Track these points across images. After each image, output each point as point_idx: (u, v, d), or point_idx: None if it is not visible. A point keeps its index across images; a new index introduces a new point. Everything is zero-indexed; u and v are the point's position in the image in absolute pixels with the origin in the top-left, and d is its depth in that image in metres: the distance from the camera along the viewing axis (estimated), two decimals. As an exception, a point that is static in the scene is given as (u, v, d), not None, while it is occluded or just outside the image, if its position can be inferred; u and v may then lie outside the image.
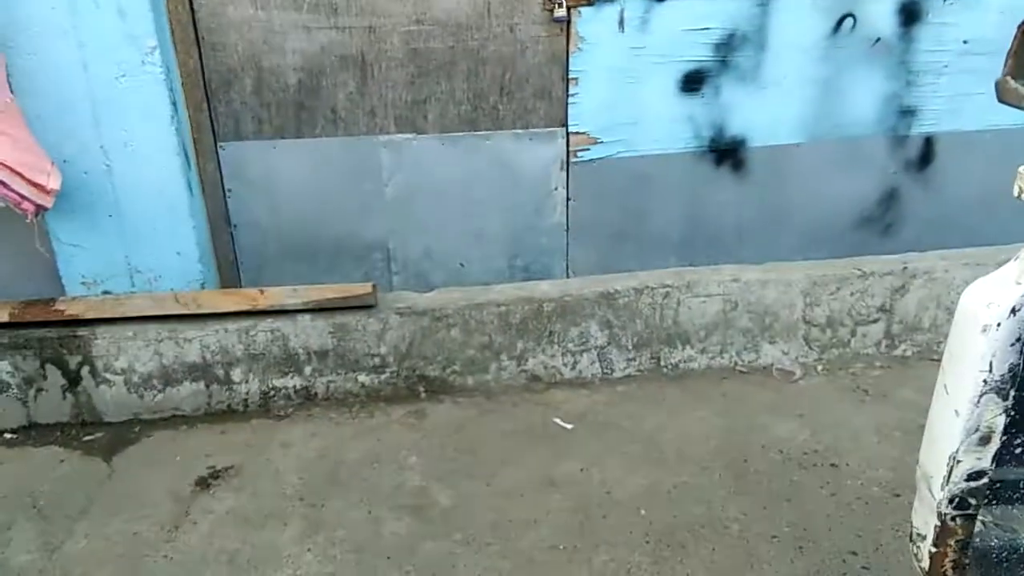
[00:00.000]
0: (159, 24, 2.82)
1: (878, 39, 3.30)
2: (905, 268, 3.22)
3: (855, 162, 3.49)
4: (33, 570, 2.29)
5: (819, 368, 3.27)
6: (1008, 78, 1.38)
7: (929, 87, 3.40)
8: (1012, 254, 1.36)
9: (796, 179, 3.48)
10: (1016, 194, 1.35)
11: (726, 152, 3.42)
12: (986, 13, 3.30)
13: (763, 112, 3.35)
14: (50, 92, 2.80)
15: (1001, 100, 1.42)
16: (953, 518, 1.41)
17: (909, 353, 3.33)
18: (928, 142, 3.50)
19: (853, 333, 3.29)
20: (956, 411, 1.37)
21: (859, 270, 3.23)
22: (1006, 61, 1.39)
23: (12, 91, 2.70)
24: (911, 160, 3.53)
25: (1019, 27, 1.36)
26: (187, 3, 2.96)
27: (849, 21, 3.27)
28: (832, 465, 2.65)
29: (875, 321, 3.28)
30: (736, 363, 3.30)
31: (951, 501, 1.40)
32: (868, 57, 3.32)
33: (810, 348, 3.29)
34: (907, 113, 3.44)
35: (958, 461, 1.38)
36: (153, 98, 2.87)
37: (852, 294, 3.23)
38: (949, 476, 1.39)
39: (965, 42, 3.34)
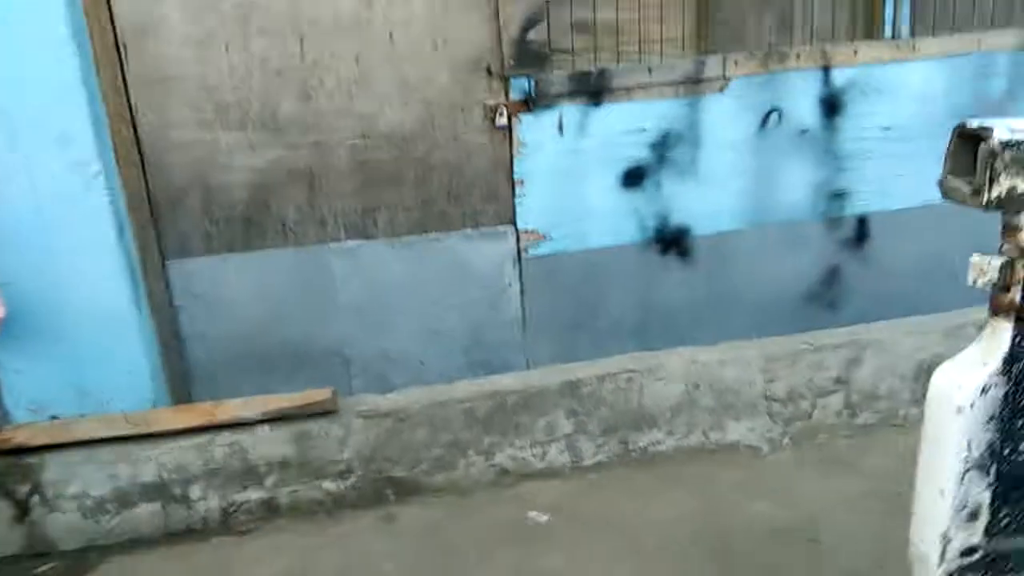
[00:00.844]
0: (103, 148, 2.85)
1: (804, 130, 3.52)
2: (855, 340, 3.31)
3: (795, 244, 3.64)
4: None
5: (785, 442, 3.28)
6: (949, 176, 1.50)
7: (857, 172, 3.61)
8: (954, 320, 1.44)
9: (741, 262, 3.61)
10: (971, 282, 1.43)
11: (672, 241, 3.54)
12: (902, 102, 3.56)
13: (703, 202, 3.50)
14: (-4, 218, 2.77)
15: (945, 197, 1.53)
16: (954, 594, 1.41)
17: (871, 421, 3.37)
18: (862, 222, 3.68)
19: (814, 405, 3.33)
20: (941, 491, 1.39)
21: (811, 344, 3.30)
22: (945, 161, 1.51)
23: (-43, 216, 2.66)
24: (848, 239, 3.69)
25: (954, 130, 1.48)
26: (132, 128, 2.99)
27: (775, 116, 3.49)
28: (811, 540, 2.61)
29: (833, 392, 3.34)
30: (704, 443, 3.29)
31: (949, 578, 1.40)
32: (797, 147, 3.53)
33: (774, 422, 3.32)
34: (839, 196, 3.63)
35: (949, 539, 1.39)
36: (99, 221, 2.87)
37: (808, 367, 3.29)
38: (943, 554, 1.40)
39: (886, 128, 3.59)
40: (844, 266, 3.71)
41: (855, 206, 3.65)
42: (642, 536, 2.70)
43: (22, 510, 2.86)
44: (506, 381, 3.18)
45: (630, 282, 3.54)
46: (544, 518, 2.86)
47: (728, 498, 2.90)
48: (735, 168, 3.50)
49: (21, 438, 2.83)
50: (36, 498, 2.85)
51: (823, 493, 2.89)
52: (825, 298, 3.74)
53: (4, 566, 2.84)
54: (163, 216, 3.13)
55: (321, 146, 3.18)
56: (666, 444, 3.26)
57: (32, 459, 2.83)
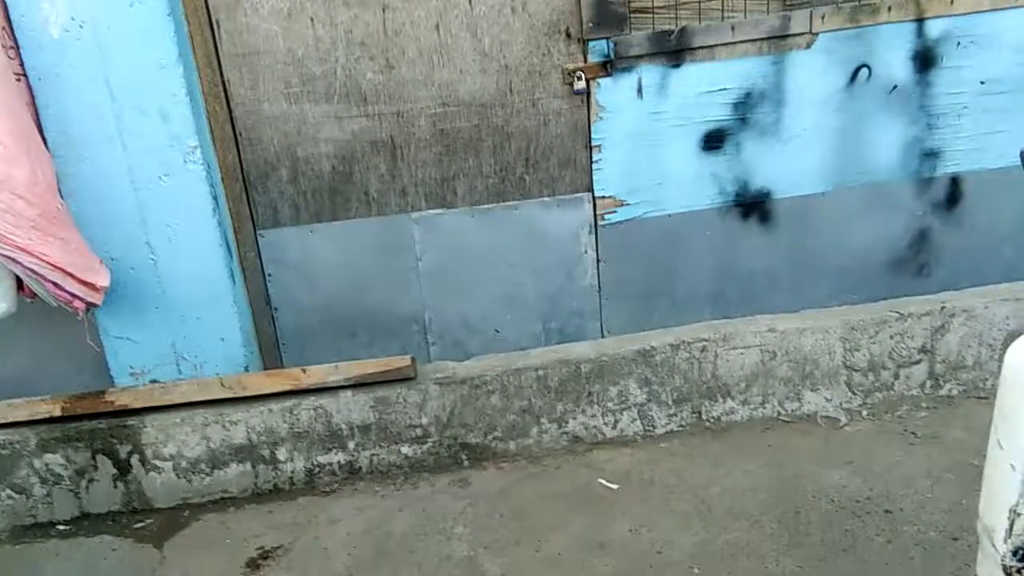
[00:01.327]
0: (199, 125, 2.98)
1: (895, 86, 3.35)
2: (943, 307, 3.18)
3: (882, 207, 3.50)
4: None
5: (864, 413, 3.21)
6: None
7: (950, 129, 3.43)
8: None
9: (824, 227, 3.50)
10: None
11: (752, 206, 3.46)
12: (1000, 53, 3.35)
13: (786, 164, 3.40)
14: (98, 194, 2.95)
15: None
16: (1019, 570, 1.39)
17: (955, 392, 3.26)
18: (954, 182, 3.51)
19: (896, 376, 3.24)
20: (1012, 465, 1.37)
21: (897, 312, 3.20)
22: None
23: (62, 196, 2.85)
24: (938, 201, 3.53)
25: None
26: (224, 103, 3.14)
27: (864, 72, 3.33)
28: (886, 512, 2.58)
29: (917, 362, 3.23)
30: (779, 413, 3.26)
31: (1015, 553, 1.38)
32: (886, 104, 3.37)
33: (853, 393, 3.25)
34: (930, 156, 3.46)
35: (1019, 514, 1.37)
36: (195, 194, 3.01)
37: (892, 336, 3.19)
38: (1011, 529, 1.38)
39: (982, 82, 3.38)
40: (934, 229, 3.55)
41: (948, 165, 3.48)
42: (712, 505, 2.72)
43: (123, 469, 3.11)
44: (579, 349, 3.22)
45: (708, 248, 3.49)
46: (615, 486, 2.90)
47: (802, 468, 2.87)
48: (820, 128, 3.38)
49: (124, 400, 3.06)
50: (136, 458, 3.09)
51: (901, 465, 2.83)
52: (913, 264, 3.59)
53: (105, 521, 3.10)
54: (255, 188, 3.29)
55: (402, 116, 3.25)
56: (740, 414, 3.24)
57: (133, 421, 3.06)
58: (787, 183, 3.44)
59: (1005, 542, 1.38)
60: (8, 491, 3.09)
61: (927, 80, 3.37)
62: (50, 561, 2.88)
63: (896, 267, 3.58)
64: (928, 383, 3.27)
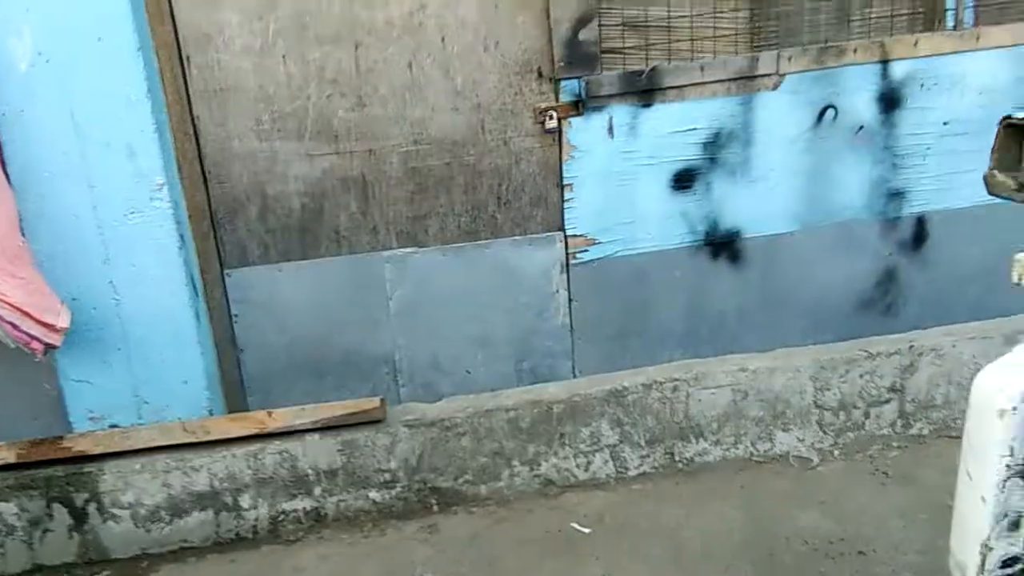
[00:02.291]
0: (167, 161, 2.93)
1: (861, 127, 3.41)
2: (912, 346, 3.20)
3: (850, 246, 3.54)
4: None
5: (836, 453, 3.21)
6: (994, 171, 1.45)
7: (915, 169, 3.49)
8: (1017, 326, 1.39)
9: (794, 266, 3.53)
10: (1016, 280, 1.38)
11: (722, 245, 3.48)
12: (963, 95, 3.43)
13: (755, 204, 3.44)
14: (61, 232, 2.88)
15: (991, 192, 1.49)
16: (992, 607, 1.37)
17: (926, 431, 3.26)
18: (920, 222, 3.56)
19: (867, 415, 3.25)
20: (983, 498, 1.36)
21: (865, 351, 3.21)
22: (991, 155, 1.46)
23: (23, 234, 2.79)
24: (905, 240, 3.57)
25: (999, 123, 1.43)
26: (194, 140, 3.11)
27: (831, 112, 3.39)
28: (859, 553, 2.56)
29: (887, 401, 3.24)
30: (752, 453, 3.24)
31: (988, 589, 1.36)
32: (852, 145, 3.43)
33: (825, 433, 3.24)
34: (896, 195, 3.51)
35: (990, 548, 1.35)
36: (161, 233, 2.95)
37: (861, 375, 3.20)
38: (983, 564, 1.36)
39: (945, 123, 3.45)
40: (901, 269, 3.59)
41: (913, 205, 3.53)
42: (686, 547, 2.68)
43: (79, 519, 2.99)
44: (551, 390, 3.19)
45: (679, 287, 3.50)
46: (587, 530, 2.86)
47: (776, 509, 2.85)
48: (788, 168, 3.42)
49: (83, 446, 2.97)
50: (93, 506, 2.98)
51: (874, 505, 2.82)
52: (881, 303, 3.62)
53: (60, 573, 2.98)
54: (222, 226, 3.24)
55: (374, 153, 3.24)
56: (713, 455, 3.22)
57: (91, 467, 2.96)
58: (756, 223, 3.47)
59: None
60: (-42, 542, 2.97)
61: (892, 121, 3.44)
62: (0, 615, 2.76)
63: (864, 306, 3.62)
64: (899, 422, 3.27)
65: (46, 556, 3.01)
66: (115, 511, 2.99)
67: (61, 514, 2.98)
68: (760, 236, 3.48)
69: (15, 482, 2.94)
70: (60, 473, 2.95)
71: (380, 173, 3.27)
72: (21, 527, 2.97)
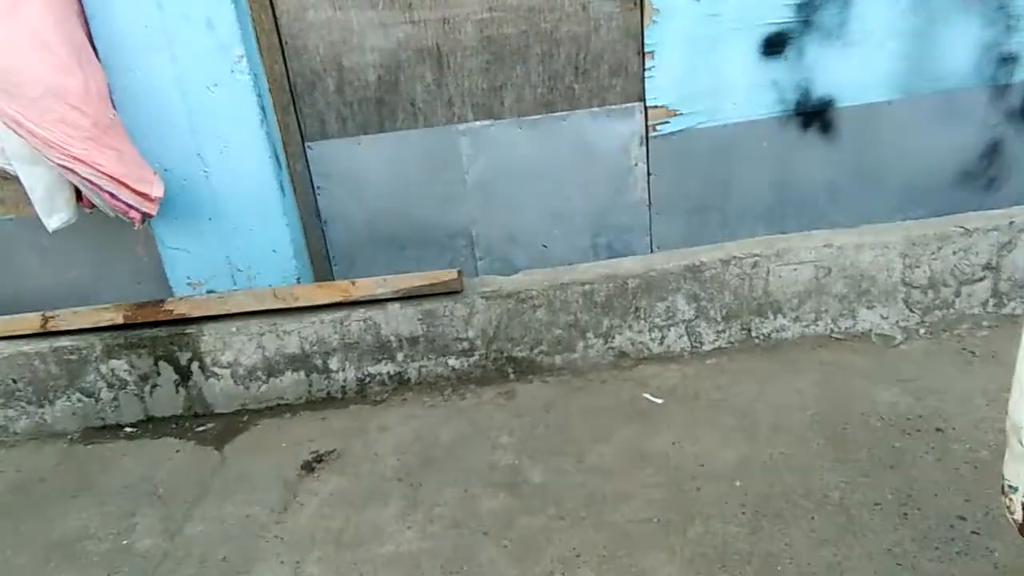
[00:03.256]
0: (245, 33, 2.95)
1: (974, -16, 3.12)
2: (1012, 223, 3.03)
3: (953, 116, 3.31)
4: (157, 552, 2.46)
5: (922, 331, 3.13)
6: None
7: (1032, 30, 3.20)
8: None
9: (890, 138, 3.33)
10: None
11: (813, 114, 3.30)
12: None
13: (851, 70, 3.22)
14: (149, 105, 2.98)
15: None
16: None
17: (1019, 311, 3.13)
18: (1034, 89, 3.29)
19: (957, 293, 3.13)
20: None
21: (962, 227, 3.06)
22: None
23: (114, 107, 2.88)
24: (1014, 110, 3.31)
25: None
26: (270, 11, 3.09)
27: (940, -33, 3.11)
28: (937, 430, 2.54)
29: (981, 280, 3.11)
30: (832, 331, 3.19)
31: (1043, 451, 1.35)
32: (963, 3, 3.14)
33: (911, 311, 3.15)
34: (1008, 60, 3.23)
35: None
36: (243, 104, 3.01)
37: (955, 253, 3.07)
38: None
39: (1069, -22, 3.12)
40: (1008, 140, 3.35)
41: (1027, 72, 3.26)
42: (758, 420, 2.71)
43: (184, 375, 3.23)
44: (627, 264, 3.18)
45: (765, 160, 3.36)
46: (659, 400, 2.91)
47: (853, 386, 2.83)
48: (890, 30, 3.17)
49: (183, 309, 3.16)
50: (196, 365, 3.21)
51: (957, 384, 2.77)
52: (983, 177, 3.41)
53: (168, 424, 3.26)
54: (302, 98, 3.27)
55: (448, 22, 3.16)
56: (791, 331, 3.19)
57: (191, 329, 3.17)
58: (852, 90, 3.26)
59: None
60: (78, 394, 3.25)
61: (1010, -24, 3.13)
62: (119, 461, 3.04)
63: (965, 180, 3.41)
64: (991, 301, 3.15)
65: (156, 409, 3.29)
66: (216, 369, 3.21)
67: (167, 371, 3.22)
68: (855, 105, 3.28)
69: (124, 341, 3.18)
70: (164, 334, 3.17)
71: (455, 43, 3.20)
72: (132, 382, 3.24)
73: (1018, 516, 1.41)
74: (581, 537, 2.26)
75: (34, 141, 2.65)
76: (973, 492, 2.23)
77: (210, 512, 2.62)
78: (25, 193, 2.92)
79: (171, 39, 2.90)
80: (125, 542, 2.53)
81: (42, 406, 3.28)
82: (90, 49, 2.83)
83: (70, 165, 2.69)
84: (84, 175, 2.72)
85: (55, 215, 2.92)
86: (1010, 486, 1.43)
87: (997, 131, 3.32)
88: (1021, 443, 1.38)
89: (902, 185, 3.40)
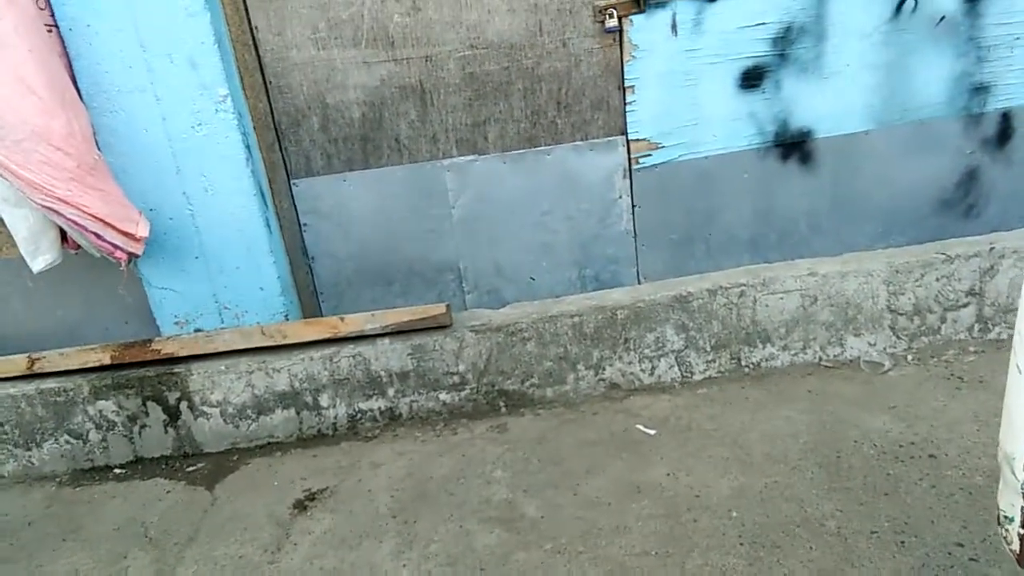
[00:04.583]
0: (229, 72, 2.97)
1: (943, 17, 3.21)
2: (992, 248, 3.09)
3: (929, 145, 3.38)
4: (147, 597, 2.41)
5: (909, 358, 3.16)
6: None
7: (1002, 61, 3.28)
8: None
9: (868, 167, 3.40)
10: None
11: (792, 146, 3.37)
12: (1057, -21, 3.18)
13: (828, 102, 3.30)
14: (133, 146, 2.98)
15: None
16: (1040, 498, 1.36)
17: (1004, 336, 3.18)
18: (1005, 117, 3.37)
19: (943, 319, 3.18)
20: None
21: (943, 254, 3.12)
22: None
23: (99, 148, 2.87)
24: (989, 138, 3.39)
25: None
26: (253, 50, 3.12)
27: (910, 2, 3.19)
28: (931, 456, 2.55)
29: (965, 306, 3.16)
30: (820, 358, 3.22)
31: (1036, 481, 1.35)
32: (934, 36, 3.23)
33: (898, 338, 3.19)
34: (980, 90, 3.32)
35: None
36: (228, 143, 3.01)
37: (938, 279, 3.12)
38: None
39: (1036, 11, 3.22)
40: (985, 168, 3.42)
41: (999, 100, 3.34)
42: (751, 450, 2.71)
43: (172, 415, 3.19)
44: (615, 295, 3.20)
45: (746, 191, 3.41)
46: (652, 431, 2.91)
47: (845, 414, 2.85)
48: (864, 62, 3.25)
49: (170, 349, 3.13)
50: (184, 404, 3.17)
51: (947, 410, 2.79)
52: (962, 204, 3.48)
53: (159, 465, 3.21)
54: (287, 136, 3.28)
55: (431, 60, 3.20)
56: (780, 360, 3.21)
57: (179, 368, 3.13)
58: (829, 122, 3.33)
59: None
60: (66, 436, 3.20)
61: (977, 10, 3.22)
62: (108, 502, 2.99)
63: (943, 208, 3.48)
64: (976, 327, 3.20)
65: (145, 449, 3.24)
66: (205, 408, 3.17)
67: (156, 411, 3.18)
68: (833, 136, 3.35)
69: (112, 381, 3.14)
70: (152, 374, 3.14)
71: (437, 80, 3.23)
72: (120, 423, 3.19)
73: (1015, 547, 1.41)
74: (579, 572, 2.24)
75: (18, 183, 2.63)
76: (969, 518, 2.23)
77: (203, 553, 2.57)
78: (9, 235, 2.89)
79: (155, 79, 2.91)
80: (115, 587, 2.48)
81: (29, 449, 3.22)
82: (73, 90, 2.82)
83: (54, 206, 2.67)
84: (69, 216, 2.70)
85: (40, 257, 2.89)
86: (1005, 516, 1.43)
87: (973, 159, 3.40)
88: (1014, 474, 1.38)
89: (882, 213, 3.46)
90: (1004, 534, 1.43)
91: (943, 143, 3.38)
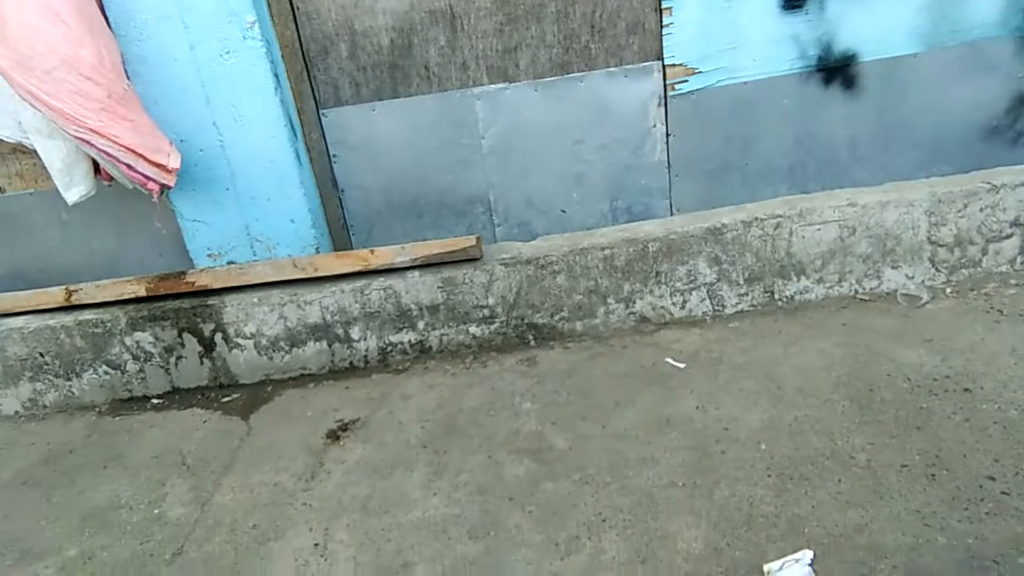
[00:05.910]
0: (256, -1, 2.91)
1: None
2: (1042, 177, 2.98)
3: (979, 68, 3.23)
4: (188, 520, 2.49)
5: (948, 291, 3.09)
6: None
7: (1063, -23, 3.10)
8: None
9: (914, 92, 3.26)
10: None
11: (836, 70, 3.24)
12: None
13: (874, 23, 3.15)
14: (162, 75, 2.95)
15: None
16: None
17: (1050, 268, 3.09)
18: (1063, 38, 3.20)
19: (984, 251, 3.08)
20: None
21: (989, 183, 3.00)
22: None
23: (128, 77, 2.86)
24: (1045, 61, 3.24)
25: None
26: (279, -27, 3.05)
27: (964, -87, 3.01)
28: (965, 390, 2.51)
29: (1008, 237, 3.06)
30: (856, 291, 3.16)
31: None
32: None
33: (937, 270, 3.11)
34: (1039, 8, 3.15)
35: None
36: (257, 71, 2.98)
37: (982, 209, 3.01)
38: None
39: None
40: (1038, 93, 3.27)
41: (1058, 21, 3.16)
42: (782, 383, 2.69)
43: (208, 347, 3.25)
44: (647, 228, 3.15)
45: (786, 118, 3.30)
46: (682, 365, 2.90)
47: (879, 347, 2.80)
48: (915, -20, 3.10)
49: (204, 281, 3.17)
50: (219, 336, 3.23)
51: (985, 343, 2.73)
52: (1010, 131, 3.33)
53: (195, 395, 3.29)
54: (315, 65, 3.24)
55: (461, -18, 3.11)
56: (815, 293, 3.16)
57: (213, 300, 3.18)
58: (875, 44, 3.19)
59: None
60: (104, 367, 3.28)
61: (1036, -78, 3.03)
62: (147, 432, 3.08)
63: (991, 135, 3.34)
64: (1019, 259, 3.10)
65: (182, 380, 3.32)
66: (239, 340, 3.23)
67: (191, 343, 3.24)
68: (878, 59, 3.21)
69: (148, 313, 3.20)
70: (187, 305, 3.19)
71: (468, 3, 3.14)
72: (157, 354, 3.26)
73: None
74: (606, 502, 2.27)
75: (50, 114, 2.64)
76: (1002, 452, 2.20)
77: (239, 481, 2.65)
78: (43, 167, 2.92)
79: (182, 6, 2.87)
80: (157, 511, 2.57)
81: (69, 379, 3.31)
82: (101, 18, 2.80)
83: (86, 137, 2.68)
84: (101, 147, 2.71)
85: (74, 188, 2.92)
86: None
87: (1025, 84, 3.25)
88: None
89: (927, 141, 3.34)
90: None
91: (994, 66, 3.22)
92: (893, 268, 3.11)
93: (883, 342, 2.83)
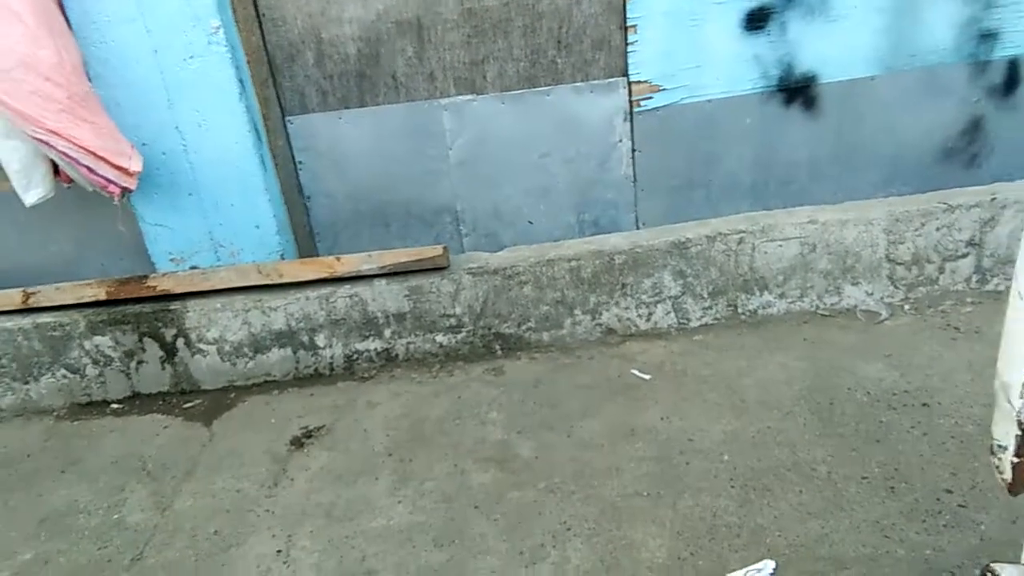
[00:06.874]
0: (221, 3, 2.89)
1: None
2: (994, 199, 3.07)
3: (935, 92, 3.33)
4: (148, 526, 2.44)
5: (906, 307, 3.17)
6: None
7: (1010, 8, 3.21)
8: None
9: (873, 113, 3.35)
10: None
11: (796, 90, 3.31)
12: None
13: (834, 46, 3.23)
14: (124, 78, 2.91)
15: None
16: (1035, 425, 1.36)
17: (1002, 287, 3.17)
18: (1013, 65, 3.31)
19: (941, 270, 3.17)
20: None
21: (944, 203, 3.09)
22: None
23: (90, 79, 2.81)
24: (995, 86, 3.34)
25: None
26: (246, -22, 3.03)
27: (920, -57, 3.11)
28: (923, 405, 2.57)
29: (964, 256, 3.15)
30: (818, 307, 3.22)
31: (1032, 409, 1.36)
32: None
33: (896, 287, 3.19)
34: (987, 37, 3.25)
35: None
36: (221, 77, 2.94)
37: (938, 229, 3.10)
38: None
39: (1049, -46, 3.14)
40: (989, 116, 3.38)
41: (1006, 48, 3.27)
42: (745, 396, 2.73)
43: (169, 352, 3.19)
44: (613, 240, 3.18)
45: (748, 136, 3.37)
46: (647, 376, 2.92)
47: (839, 361, 2.86)
48: (872, 5, 3.17)
49: (166, 285, 3.11)
50: (181, 341, 3.17)
51: (942, 359, 2.80)
52: (965, 153, 3.44)
53: (156, 401, 3.22)
54: (281, 72, 3.21)
55: (429, -7, 3.12)
56: (777, 307, 3.21)
57: (176, 305, 3.13)
58: (834, 66, 3.27)
59: (1021, 397, 1.36)
60: (63, 370, 3.20)
61: (990, -47, 3.14)
62: (106, 436, 3.01)
63: (947, 157, 3.44)
64: (974, 277, 3.19)
65: (143, 385, 3.26)
66: (202, 346, 3.17)
67: (152, 348, 3.18)
68: (837, 81, 3.29)
69: (108, 317, 3.13)
70: (148, 310, 3.13)
71: (435, 15, 3.15)
72: (117, 358, 3.19)
73: (1007, 476, 1.43)
74: (571, 511, 2.27)
75: (8, 114, 2.58)
76: (959, 466, 2.26)
77: (200, 487, 2.61)
78: (1, 168, 2.84)
79: (144, 9, 2.83)
80: (116, 516, 2.51)
81: (27, 382, 3.23)
82: (62, 19, 2.75)
83: (46, 138, 2.62)
84: (60, 148, 2.66)
85: (32, 190, 2.85)
86: (999, 445, 1.44)
87: (978, 107, 3.35)
88: (1010, 402, 1.38)
89: (885, 161, 3.43)
90: (996, 463, 1.45)
91: (949, 90, 3.33)
92: (853, 285, 3.18)
93: (843, 357, 2.89)
